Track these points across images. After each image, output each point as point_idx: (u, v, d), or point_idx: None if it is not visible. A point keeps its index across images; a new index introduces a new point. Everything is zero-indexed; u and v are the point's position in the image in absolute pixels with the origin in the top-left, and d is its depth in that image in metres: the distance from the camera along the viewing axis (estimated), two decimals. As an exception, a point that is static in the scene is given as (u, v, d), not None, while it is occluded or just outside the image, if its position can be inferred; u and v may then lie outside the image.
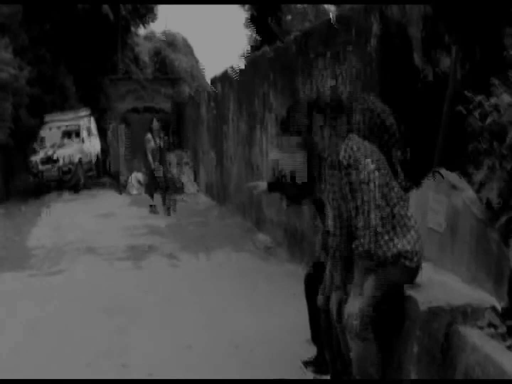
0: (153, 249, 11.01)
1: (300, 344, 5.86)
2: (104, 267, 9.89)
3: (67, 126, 23.89)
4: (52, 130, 23.81)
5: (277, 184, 6.40)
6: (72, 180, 22.23)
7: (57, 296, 8.29)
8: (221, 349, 6.12)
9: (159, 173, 15.51)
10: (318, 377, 5.34)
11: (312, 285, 5.42)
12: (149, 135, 15.67)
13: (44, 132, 23.80)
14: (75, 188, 21.97)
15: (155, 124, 15.75)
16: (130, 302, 7.83)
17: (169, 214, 15.14)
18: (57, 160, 21.95)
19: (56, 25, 23.90)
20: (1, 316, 7.55)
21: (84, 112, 24.98)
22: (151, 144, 15.51)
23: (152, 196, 15.76)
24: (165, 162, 15.86)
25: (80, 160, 22.59)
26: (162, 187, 15.56)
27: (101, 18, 25.01)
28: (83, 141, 23.77)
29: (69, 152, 22.36)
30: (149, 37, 37.78)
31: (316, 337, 5.46)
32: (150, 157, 15.57)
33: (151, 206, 15.69)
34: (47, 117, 24.37)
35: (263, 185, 5.57)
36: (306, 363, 5.52)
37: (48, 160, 21.92)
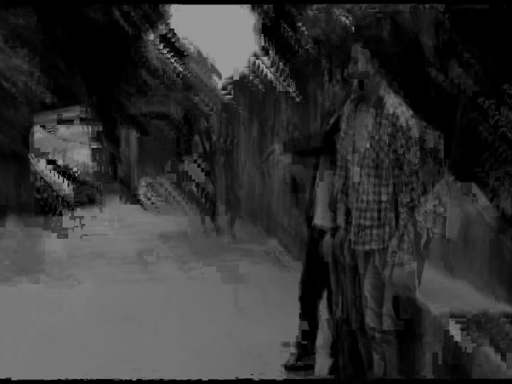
0: (165, 256, 11.03)
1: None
2: (116, 274, 9.92)
3: (68, 127, 20.08)
4: (49, 132, 19.84)
5: (296, 142, 5.85)
6: (91, 194, 18.78)
7: (70, 303, 8.31)
8: (232, 356, 6.12)
9: (209, 187, 12.58)
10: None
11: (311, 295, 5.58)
12: (196, 138, 13.02)
13: (39, 137, 19.43)
14: (90, 199, 18.76)
15: (203, 125, 13.10)
16: (142, 309, 7.84)
17: (234, 237, 12.29)
18: (72, 172, 18.74)
19: (69, 35, 23.96)
20: (15, 323, 7.57)
21: (78, 110, 21.02)
22: (199, 149, 12.85)
23: (211, 216, 12.89)
24: (214, 171, 12.75)
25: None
26: (211, 203, 12.70)
27: (113, 26, 25.06)
28: (95, 144, 20.27)
29: (82, 158, 19.42)
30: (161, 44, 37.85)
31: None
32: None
33: (203, 223, 12.99)
34: (37, 118, 19.80)
35: (280, 148, 5.17)
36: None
37: (61, 171, 18.63)
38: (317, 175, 5.35)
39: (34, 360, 6.24)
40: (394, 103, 4.22)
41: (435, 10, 5.96)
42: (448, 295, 4.46)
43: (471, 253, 4.73)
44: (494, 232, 4.49)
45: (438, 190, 5.19)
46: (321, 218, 5.24)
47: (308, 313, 5.59)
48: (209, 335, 6.75)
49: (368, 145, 4.26)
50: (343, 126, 4.53)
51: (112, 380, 5.66)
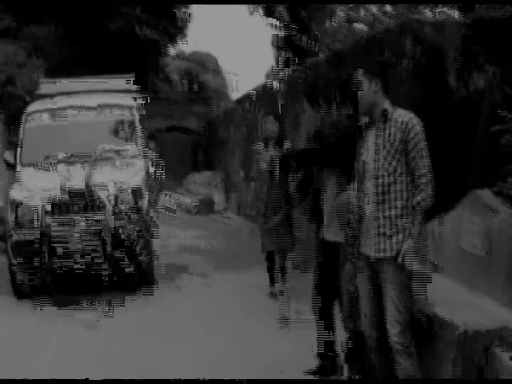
0: (184, 269, 11.01)
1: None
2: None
3: (101, 110, 10.26)
4: (61, 118, 10.06)
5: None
6: (144, 265, 9.23)
7: (90, 316, 8.32)
8: (253, 370, 6.09)
9: (276, 219, 8.09)
10: None
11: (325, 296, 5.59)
12: (259, 145, 8.51)
13: (38, 128, 9.95)
14: (145, 278, 9.41)
15: (270, 126, 8.17)
16: (162, 322, 7.84)
17: (275, 294, 8.36)
18: (103, 205, 8.69)
19: (88, 46, 24.19)
20: (36, 335, 7.60)
21: (130, 83, 11.39)
22: (263, 163, 8.13)
23: (271, 265, 8.66)
24: (289, 197, 7.87)
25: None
26: (277, 245, 8.31)
27: (133, 39, 25.27)
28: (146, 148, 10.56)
29: (133, 180, 9.27)
30: (179, 57, 38.11)
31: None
32: (258, 185, 8.57)
33: (272, 283, 8.64)
34: (43, 86, 10.95)
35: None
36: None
37: (75, 202, 8.73)
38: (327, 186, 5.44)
39: (56, 373, 6.25)
40: (401, 114, 4.34)
41: (458, 22, 5.96)
42: (471, 311, 4.41)
43: (493, 267, 4.69)
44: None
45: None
46: (331, 233, 5.43)
47: (324, 317, 5.60)
48: (231, 350, 6.71)
49: (379, 157, 4.35)
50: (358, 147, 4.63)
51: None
